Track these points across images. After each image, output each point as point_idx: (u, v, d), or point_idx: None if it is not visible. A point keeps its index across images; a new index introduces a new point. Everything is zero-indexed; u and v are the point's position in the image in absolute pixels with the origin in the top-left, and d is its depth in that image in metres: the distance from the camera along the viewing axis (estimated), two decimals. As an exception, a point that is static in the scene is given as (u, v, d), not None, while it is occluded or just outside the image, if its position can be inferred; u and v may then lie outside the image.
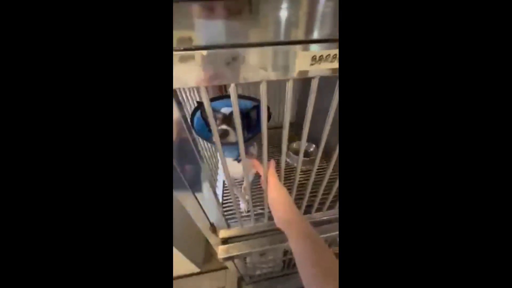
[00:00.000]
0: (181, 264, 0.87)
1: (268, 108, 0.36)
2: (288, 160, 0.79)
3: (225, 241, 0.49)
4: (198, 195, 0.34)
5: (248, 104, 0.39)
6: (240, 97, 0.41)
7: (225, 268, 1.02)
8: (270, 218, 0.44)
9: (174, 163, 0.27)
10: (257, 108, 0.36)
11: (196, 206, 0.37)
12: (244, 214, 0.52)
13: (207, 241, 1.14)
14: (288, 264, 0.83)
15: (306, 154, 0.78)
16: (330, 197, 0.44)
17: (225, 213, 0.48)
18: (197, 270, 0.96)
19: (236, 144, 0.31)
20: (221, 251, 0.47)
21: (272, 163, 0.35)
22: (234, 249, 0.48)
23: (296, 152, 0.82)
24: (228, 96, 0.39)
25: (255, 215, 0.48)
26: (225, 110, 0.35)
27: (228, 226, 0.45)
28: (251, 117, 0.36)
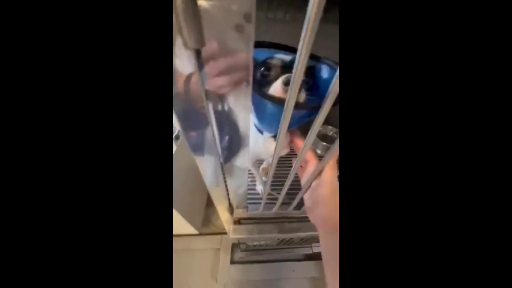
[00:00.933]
0: (180, 224, 0.89)
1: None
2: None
3: (237, 221, 0.45)
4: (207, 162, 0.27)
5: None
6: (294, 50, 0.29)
7: (222, 233, 1.07)
8: (296, 207, 0.39)
9: (215, 129, 0.20)
10: (329, 65, 0.25)
11: (222, 185, 0.30)
12: (266, 198, 0.47)
13: (207, 206, 1.16)
14: (284, 241, 0.85)
15: (329, 139, 0.69)
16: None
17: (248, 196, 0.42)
18: (195, 232, 0.99)
19: (306, 109, 0.21)
20: (233, 231, 0.44)
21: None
22: (245, 232, 0.45)
23: (321, 136, 0.74)
24: (272, 45, 0.27)
25: (271, 200, 0.43)
26: (281, 56, 0.24)
27: (247, 210, 0.40)
28: (320, 76, 0.25)
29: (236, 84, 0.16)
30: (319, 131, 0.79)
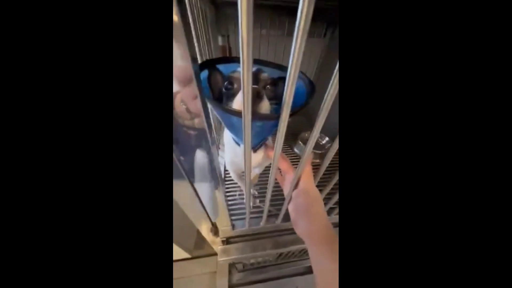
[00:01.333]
0: (170, 250, 0.82)
1: (311, 81, 0.25)
2: (296, 150, 0.71)
3: (225, 240, 0.42)
4: (199, 189, 0.25)
5: (275, 73, 0.27)
6: (264, 63, 0.29)
7: (216, 254, 1.00)
8: (284, 218, 0.37)
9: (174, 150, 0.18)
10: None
11: (197, 204, 0.28)
12: (253, 212, 0.44)
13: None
14: (283, 255, 0.80)
15: (318, 146, 0.70)
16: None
17: (230, 212, 0.39)
18: (187, 256, 0.92)
19: (266, 120, 0.20)
20: (222, 253, 0.40)
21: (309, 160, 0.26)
22: (236, 251, 0.41)
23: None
24: (238, 59, 0.27)
25: (257, 213, 0.41)
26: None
27: (233, 228, 0.37)
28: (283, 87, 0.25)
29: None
30: (305, 137, 0.79)
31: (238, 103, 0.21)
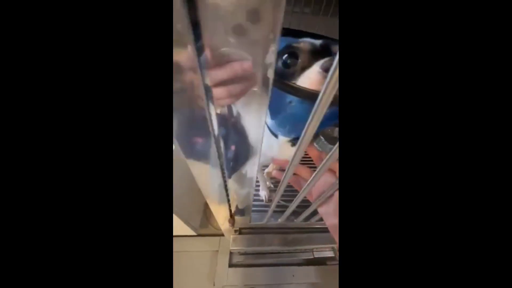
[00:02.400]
0: (176, 225, 0.86)
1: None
2: (316, 146, 0.67)
3: (237, 230, 0.41)
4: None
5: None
6: (316, 36, 0.24)
7: (221, 235, 1.04)
8: (306, 218, 0.35)
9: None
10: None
11: (223, 195, 0.25)
12: (269, 205, 0.42)
13: (205, 207, 1.12)
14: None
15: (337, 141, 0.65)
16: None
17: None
18: (192, 233, 0.96)
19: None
20: (233, 242, 0.40)
21: None
22: (245, 242, 0.41)
23: (329, 138, 0.69)
24: (289, 32, 0.22)
25: (278, 207, 0.39)
26: (308, 40, 0.19)
27: (250, 221, 0.36)
28: None
29: (238, 96, 0.13)
30: (326, 132, 0.74)
31: (311, 80, 0.17)
